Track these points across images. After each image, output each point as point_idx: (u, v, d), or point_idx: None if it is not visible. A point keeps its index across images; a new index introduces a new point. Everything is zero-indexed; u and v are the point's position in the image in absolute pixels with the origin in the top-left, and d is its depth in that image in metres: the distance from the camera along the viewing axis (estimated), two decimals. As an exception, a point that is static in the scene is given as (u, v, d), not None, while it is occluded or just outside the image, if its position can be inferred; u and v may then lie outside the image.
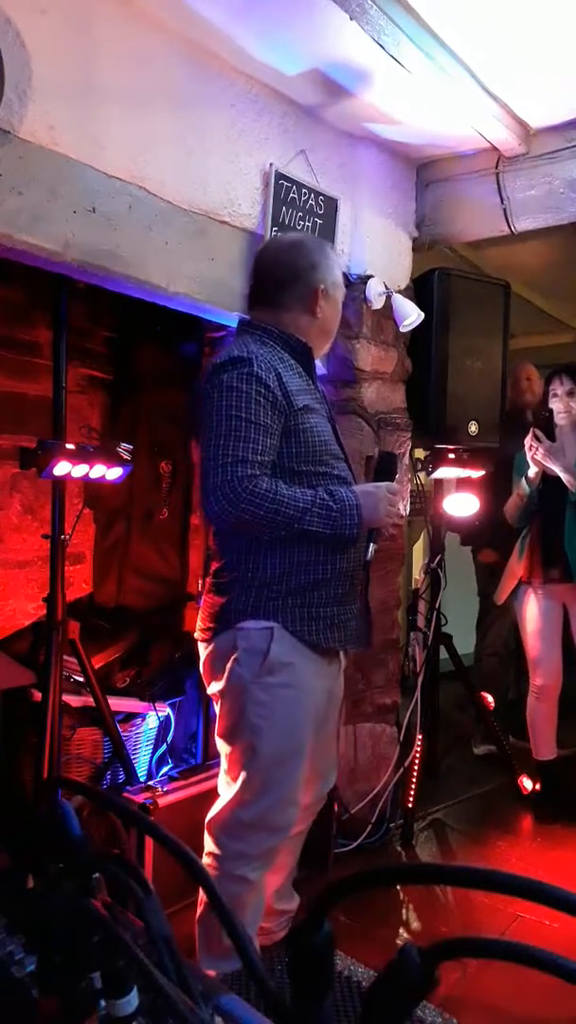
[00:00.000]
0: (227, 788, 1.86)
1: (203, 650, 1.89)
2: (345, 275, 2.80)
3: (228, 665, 1.80)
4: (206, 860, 1.85)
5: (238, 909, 1.81)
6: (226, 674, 1.80)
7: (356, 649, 1.98)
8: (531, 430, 3.01)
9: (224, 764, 1.88)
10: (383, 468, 2.00)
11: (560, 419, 3.08)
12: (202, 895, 1.87)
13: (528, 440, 3.00)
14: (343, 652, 1.98)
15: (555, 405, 3.11)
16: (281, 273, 1.92)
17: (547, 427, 3.04)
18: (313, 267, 1.91)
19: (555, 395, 3.13)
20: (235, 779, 1.83)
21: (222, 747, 1.88)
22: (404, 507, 3.08)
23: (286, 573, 1.78)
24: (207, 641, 1.86)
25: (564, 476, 2.95)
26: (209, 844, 1.86)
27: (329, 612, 1.83)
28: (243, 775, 1.81)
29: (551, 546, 3.13)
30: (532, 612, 3.24)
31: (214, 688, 1.86)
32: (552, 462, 2.96)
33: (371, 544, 1.88)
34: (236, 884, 1.81)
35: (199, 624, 1.91)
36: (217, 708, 1.88)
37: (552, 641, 3.23)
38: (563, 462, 2.96)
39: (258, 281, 1.98)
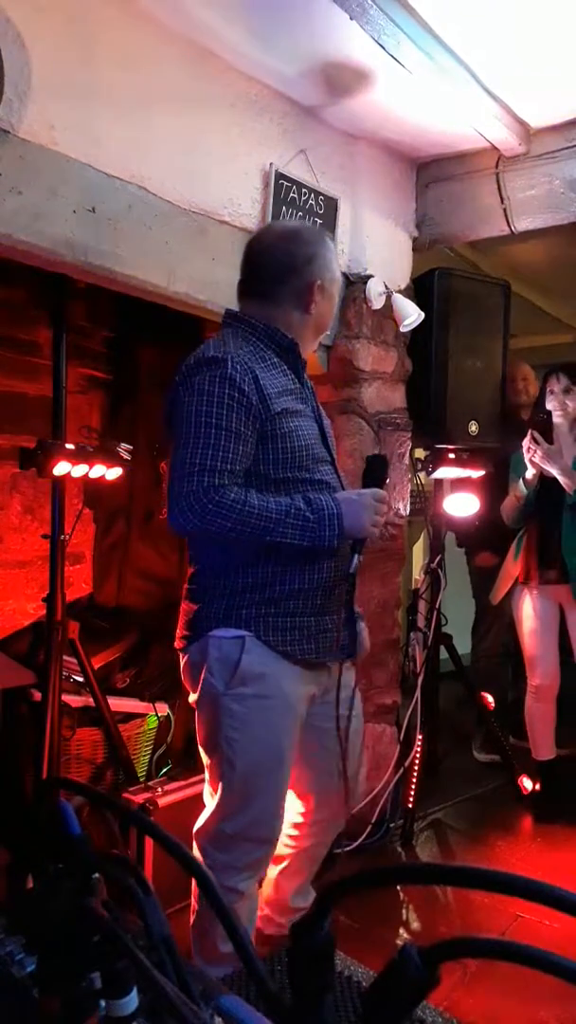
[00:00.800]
0: (210, 799, 1.83)
1: (181, 659, 1.85)
2: (345, 275, 2.81)
3: (201, 675, 1.74)
4: None
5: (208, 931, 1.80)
6: (200, 685, 1.75)
7: (337, 660, 1.84)
8: (529, 432, 3.00)
9: (206, 775, 1.84)
10: (371, 472, 1.87)
11: (557, 417, 3.07)
12: (195, 902, 1.86)
13: (526, 442, 3.00)
14: (351, 656, 1.90)
15: (551, 403, 3.11)
16: (275, 265, 1.81)
17: (544, 428, 3.03)
18: (310, 260, 1.80)
19: (551, 392, 3.12)
20: (215, 791, 1.79)
21: (203, 757, 1.84)
22: (404, 507, 3.08)
23: (261, 582, 1.72)
24: (183, 650, 1.82)
25: (562, 479, 2.95)
26: (196, 854, 1.80)
27: (306, 622, 1.75)
28: (221, 787, 1.76)
29: (548, 548, 3.13)
30: (529, 613, 3.24)
31: (192, 698, 1.82)
32: (550, 464, 2.95)
33: (356, 555, 1.76)
34: (226, 895, 1.77)
35: (177, 632, 1.86)
36: (195, 718, 1.83)
37: (549, 641, 3.23)
38: (561, 464, 2.96)
39: (249, 272, 1.86)
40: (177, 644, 1.85)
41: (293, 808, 2.01)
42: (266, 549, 1.71)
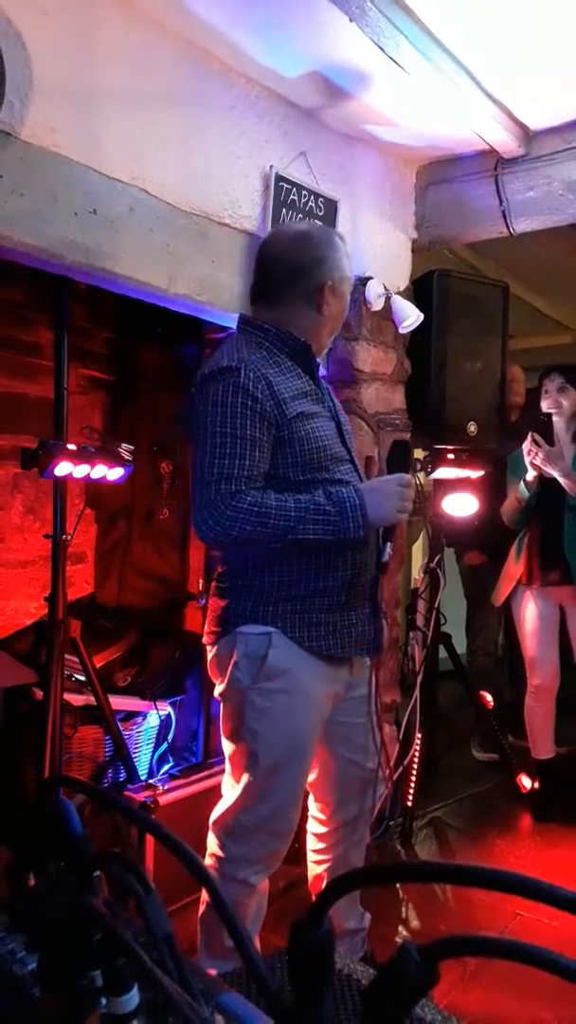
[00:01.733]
0: (230, 790, 1.85)
1: (208, 653, 1.89)
2: (345, 276, 2.82)
3: (228, 669, 1.78)
4: (208, 861, 1.84)
5: (239, 912, 1.80)
6: (227, 678, 1.79)
7: (362, 656, 1.87)
8: (530, 434, 3.00)
9: (227, 766, 1.88)
10: (395, 459, 1.90)
11: (554, 417, 3.07)
12: (204, 895, 1.87)
13: (527, 444, 2.99)
14: (358, 657, 1.90)
15: (545, 402, 3.11)
16: (285, 269, 1.82)
17: (543, 430, 3.02)
18: (319, 262, 1.81)
19: (546, 391, 3.13)
20: (237, 782, 1.82)
21: (225, 748, 1.88)
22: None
23: (286, 580, 1.75)
24: (211, 644, 1.86)
25: (564, 481, 2.94)
26: (212, 845, 1.85)
27: (331, 618, 1.78)
28: (244, 779, 1.80)
29: (550, 549, 3.13)
30: (530, 613, 3.24)
31: (217, 690, 1.86)
32: (551, 467, 2.95)
33: (387, 544, 1.79)
34: (237, 887, 1.80)
35: (205, 627, 1.91)
36: (220, 710, 1.88)
37: (549, 641, 3.24)
38: (562, 467, 2.95)
39: (260, 276, 1.87)
40: (205, 639, 1.89)
41: (315, 820, 2.02)
42: (291, 548, 1.72)
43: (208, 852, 1.86)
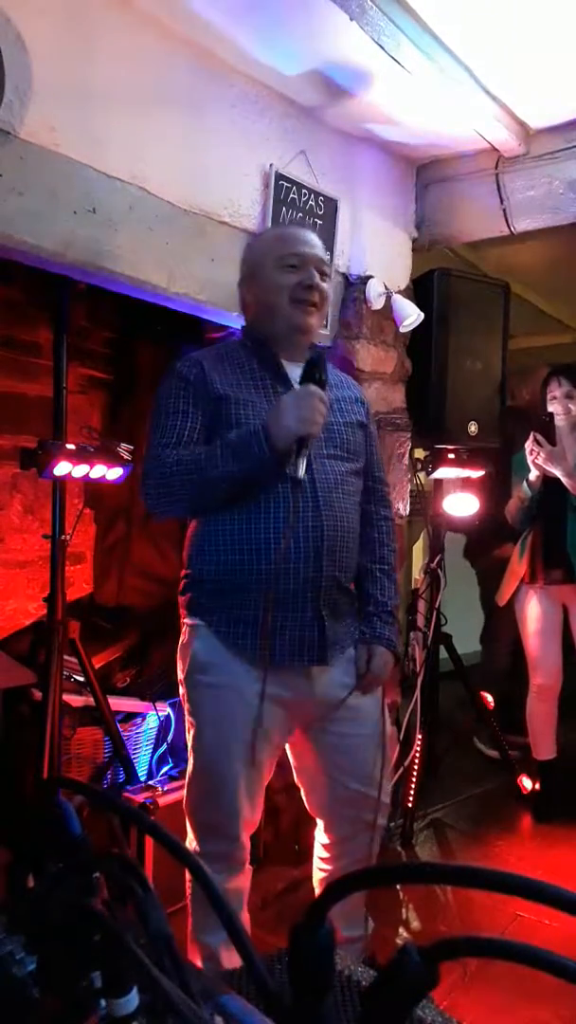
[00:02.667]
0: None
1: None
2: (345, 275, 2.81)
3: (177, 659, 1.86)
4: None
5: (203, 909, 1.79)
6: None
7: (298, 664, 1.75)
8: (532, 434, 3.01)
9: None
10: (307, 373, 1.70)
11: (559, 421, 3.08)
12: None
13: (529, 444, 3.00)
14: (322, 662, 1.78)
15: (554, 407, 3.11)
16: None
17: (546, 430, 3.03)
18: (245, 261, 1.93)
19: (553, 397, 3.13)
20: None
21: None
22: (404, 507, 3.07)
23: (212, 573, 1.76)
24: None
25: (566, 480, 2.95)
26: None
27: (257, 616, 1.71)
28: (187, 771, 1.84)
29: (553, 548, 3.13)
30: (533, 612, 3.25)
31: None
32: (554, 466, 2.95)
33: (299, 458, 1.61)
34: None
35: None
36: None
37: (552, 640, 3.24)
38: (565, 466, 2.96)
39: None
40: None
41: (320, 831, 2.00)
42: (216, 538, 1.74)
43: None
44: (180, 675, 1.83)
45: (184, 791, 1.86)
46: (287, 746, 1.93)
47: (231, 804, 1.77)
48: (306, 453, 1.63)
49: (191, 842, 1.82)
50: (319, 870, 2.03)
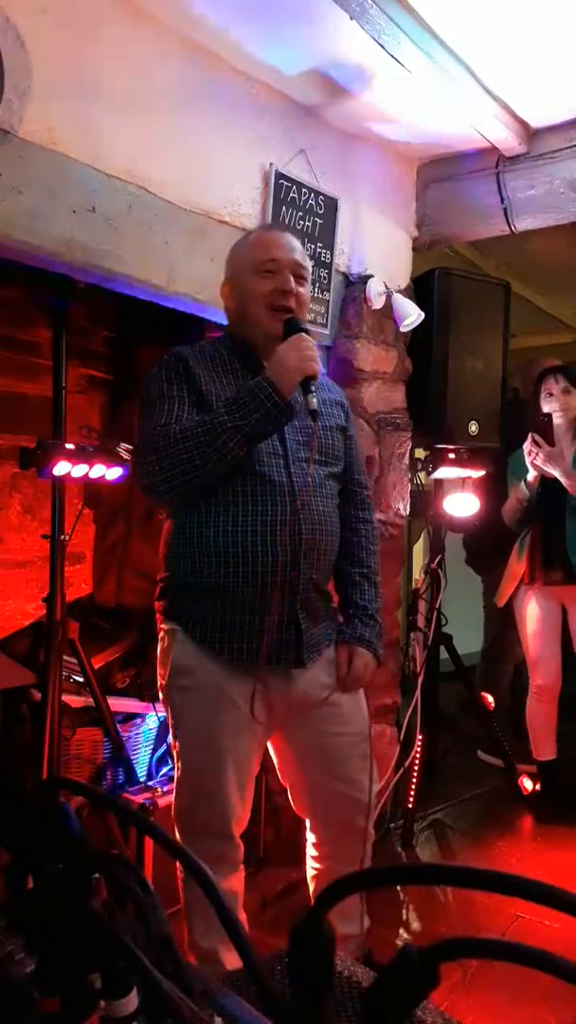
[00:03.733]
0: None
1: None
2: (345, 275, 2.81)
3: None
4: None
5: (201, 912, 1.78)
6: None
7: (273, 667, 1.74)
8: (530, 435, 2.99)
9: None
10: (288, 331, 1.74)
11: (557, 418, 3.07)
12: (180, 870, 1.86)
13: (527, 445, 2.99)
14: (298, 665, 1.78)
15: (551, 405, 3.10)
16: None
17: (543, 430, 3.01)
18: (227, 265, 1.92)
19: (550, 394, 3.11)
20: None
21: None
22: (404, 507, 3.07)
23: (188, 577, 1.73)
24: None
25: (565, 481, 2.94)
26: None
27: (234, 619, 1.71)
28: (175, 774, 1.83)
29: (552, 549, 3.13)
30: (532, 613, 3.24)
31: None
32: (552, 467, 2.94)
33: (308, 394, 1.66)
34: (194, 884, 1.78)
35: None
36: None
37: (552, 641, 3.23)
38: (563, 467, 2.95)
39: None
40: None
41: (308, 830, 2.00)
42: (191, 540, 1.72)
43: None
44: (160, 681, 1.82)
45: (173, 797, 1.84)
46: (269, 745, 1.92)
47: (223, 801, 1.76)
48: (313, 389, 1.67)
49: (183, 844, 1.81)
50: (311, 868, 2.03)
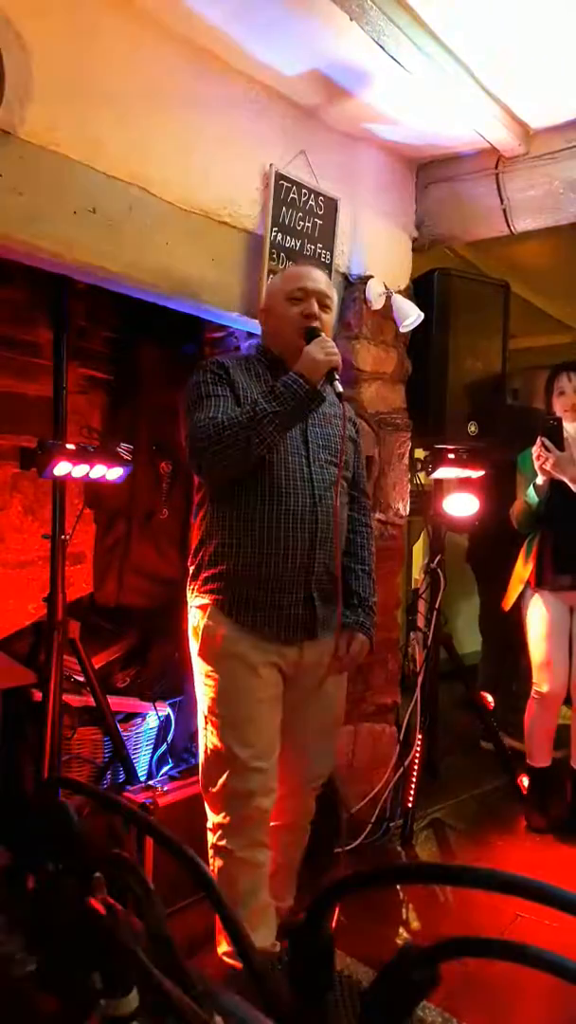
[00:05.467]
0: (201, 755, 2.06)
1: None
2: (345, 275, 2.81)
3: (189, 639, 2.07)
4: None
5: (228, 884, 1.92)
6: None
7: (296, 640, 2.01)
8: (539, 439, 2.92)
9: None
10: (309, 337, 2.01)
11: (568, 424, 3.00)
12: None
13: (536, 449, 2.93)
14: (311, 637, 2.03)
15: (560, 405, 3.03)
16: None
17: (553, 434, 2.93)
18: (265, 301, 2.16)
19: (562, 393, 3.04)
20: (199, 746, 2.04)
21: None
22: (404, 507, 3.07)
23: (219, 556, 1.97)
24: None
25: (574, 486, 2.88)
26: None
27: (258, 595, 1.96)
28: (200, 742, 2.02)
29: (561, 553, 3.05)
30: (540, 617, 3.13)
31: None
32: (561, 472, 2.88)
33: (334, 382, 1.93)
34: (221, 856, 1.95)
35: None
36: None
37: (560, 648, 3.11)
38: (572, 472, 2.87)
39: None
40: None
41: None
42: (224, 525, 1.97)
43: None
44: (195, 651, 2.03)
45: (201, 769, 2.02)
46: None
47: (257, 765, 1.94)
48: (337, 378, 1.93)
49: (221, 817, 1.96)
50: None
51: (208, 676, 2.00)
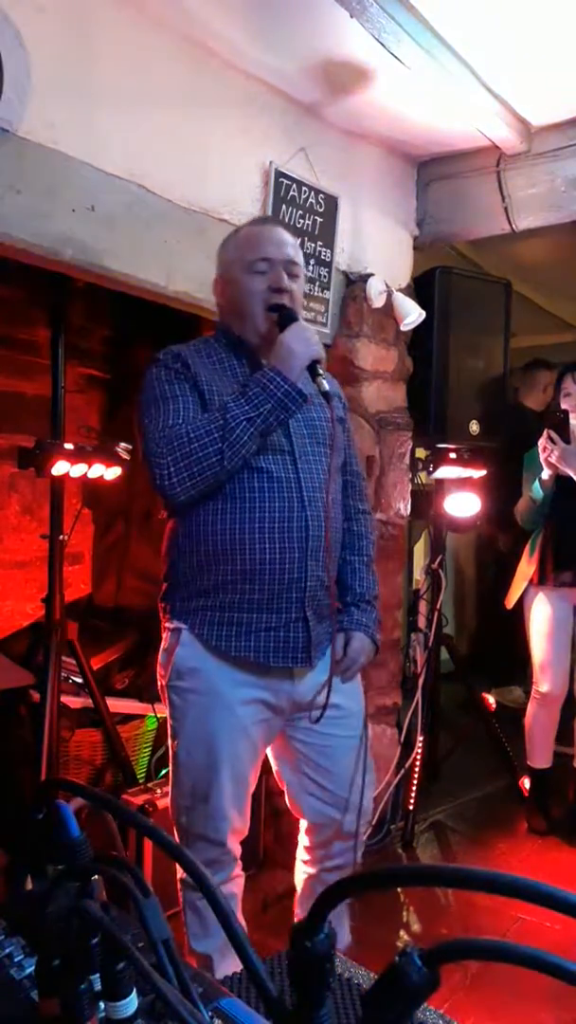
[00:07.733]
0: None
1: None
2: (345, 273, 2.81)
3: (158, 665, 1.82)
4: None
5: (197, 917, 1.79)
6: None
7: (282, 666, 1.72)
8: (545, 432, 2.92)
9: None
10: (282, 321, 1.72)
11: (573, 417, 3.00)
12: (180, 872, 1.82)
13: (542, 442, 2.93)
14: (306, 664, 1.74)
15: (568, 404, 3.04)
16: None
17: (559, 428, 2.95)
18: (218, 261, 1.85)
19: (568, 394, 3.05)
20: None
21: None
22: (404, 507, 3.06)
23: (194, 572, 1.71)
24: None
25: None
26: None
27: (241, 617, 1.68)
28: (172, 778, 1.79)
29: (564, 549, 3.05)
30: (542, 614, 3.12)
31: None
32: (567, 465, 2.89)
33: (319, 378, 1.65)
34: (190, 889, 1.79)
35: None
36: None
37: (562, 646, 3.11)
38: None
39: None
40: None
41: (302, 832, 1.97)
42: (195, 536, 1.68)
43: None
44: (161, 681, 1.79)
45: (169, 798, 1.82)
46: (267, 748, 1.89)
47: (217, 811, 1.73)
48: (322, 372, 1.66)
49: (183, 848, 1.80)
50: (301, 871, 2.00)
51: (175, 712, 1.75)
